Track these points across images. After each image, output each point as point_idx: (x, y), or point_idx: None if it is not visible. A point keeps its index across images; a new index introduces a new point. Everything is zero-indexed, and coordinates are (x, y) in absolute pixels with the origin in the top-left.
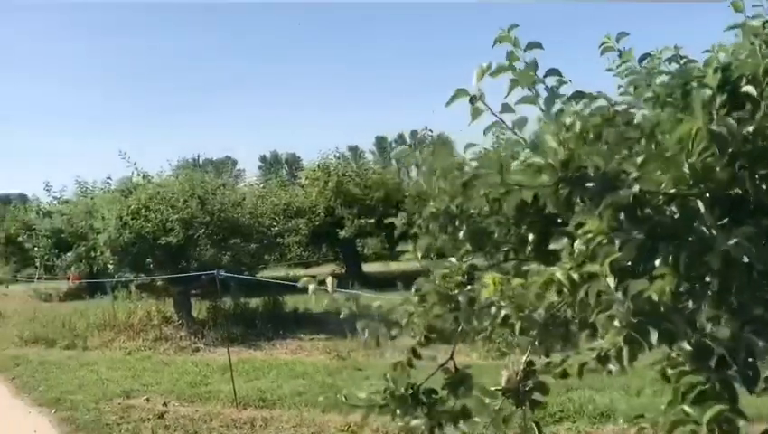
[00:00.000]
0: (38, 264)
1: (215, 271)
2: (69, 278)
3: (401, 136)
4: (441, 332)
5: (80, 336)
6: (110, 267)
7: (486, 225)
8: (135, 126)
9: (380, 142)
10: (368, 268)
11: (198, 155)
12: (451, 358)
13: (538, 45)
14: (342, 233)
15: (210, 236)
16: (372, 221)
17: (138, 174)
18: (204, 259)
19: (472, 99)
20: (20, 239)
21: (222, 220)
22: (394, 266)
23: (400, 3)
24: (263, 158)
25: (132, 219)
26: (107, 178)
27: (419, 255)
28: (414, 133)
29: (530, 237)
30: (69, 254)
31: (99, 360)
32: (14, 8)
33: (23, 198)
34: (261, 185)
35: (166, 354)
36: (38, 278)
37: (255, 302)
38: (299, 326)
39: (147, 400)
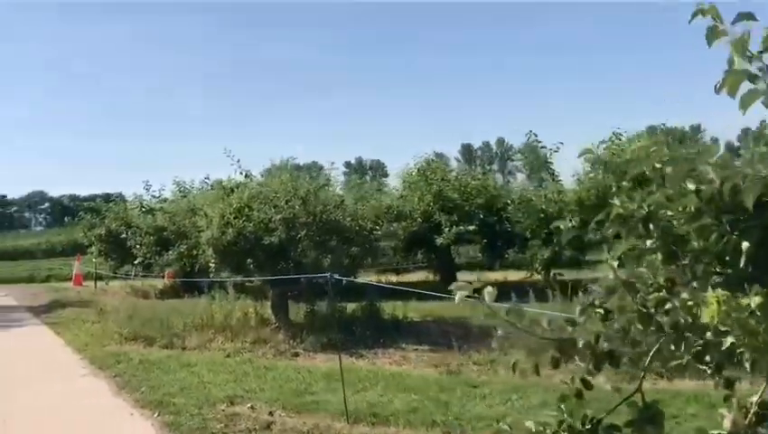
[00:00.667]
0: (137, 261)
1: (328, 274)
2: (164, 276)
3: (487, 145)
4: (617, 357)
5: (179, 336)
6: (211, 265)
7: (684, 231)
8: (223, 131)
9: (466, 149)
10: (462, 277)
11: (288, 159)
12: (638, 390)
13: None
14: (440, 240)
15: (312, 237)
16: (472, 227)
17: (241, 173)
18: (305, 261)
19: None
20: (123, 236)
21: (324, 221)
22: (492, 276)
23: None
24: (347, 164)
25: (234, 218)
26: (204, 178)
27: (615, 264)
28: (500, 140)
29: (744, 246)
30: (170, 252)
31: (199, 361)
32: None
33: (121, 198)
34: (354, 189)
35: (266, 358)
36: (135, 275)
37: (350, 307)
38: (400, 335)
39: (252, 407)
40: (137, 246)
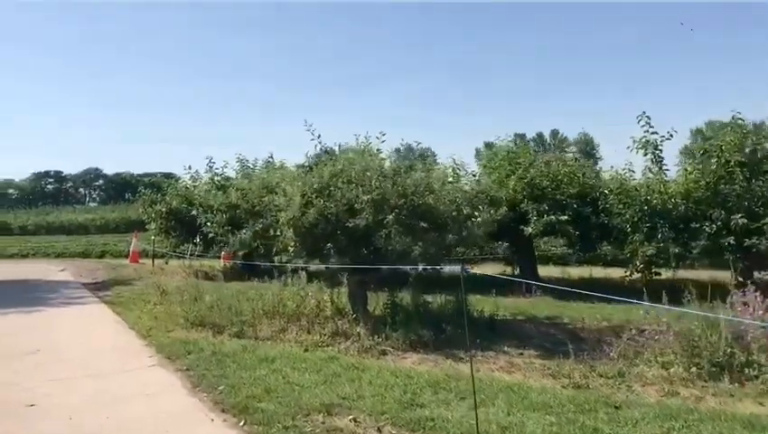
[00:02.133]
0: (197, 240)
1: (461, 266)
2: (221, 257)
3: (540, 135)
4: None
5: (248, 323)
6: (290, 248)
7: None
8: (279, 119)
9: (520, 139)
10: (543, 271)
11: (339, 145)
12: None
13: None
14: (529, 229)
15: (403, 222)
16: (565, 217)
17: (322, 149)
18: (391, 248)
19: None
20: (193, 213)
21: (416, 204)
22: (574, 272)
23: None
24: (397, 150)
25: (316, 197)
26: (268, 157)
27: None
28: (554, 132)
29: None
30: (243, 231)
31: (277, 355)
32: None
33: (168, 177)
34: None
35: (349, 355)
36: (190, 255)
37: (437, 301)
38: (495, 335)
39: (355, 421)
40: (207, 223)
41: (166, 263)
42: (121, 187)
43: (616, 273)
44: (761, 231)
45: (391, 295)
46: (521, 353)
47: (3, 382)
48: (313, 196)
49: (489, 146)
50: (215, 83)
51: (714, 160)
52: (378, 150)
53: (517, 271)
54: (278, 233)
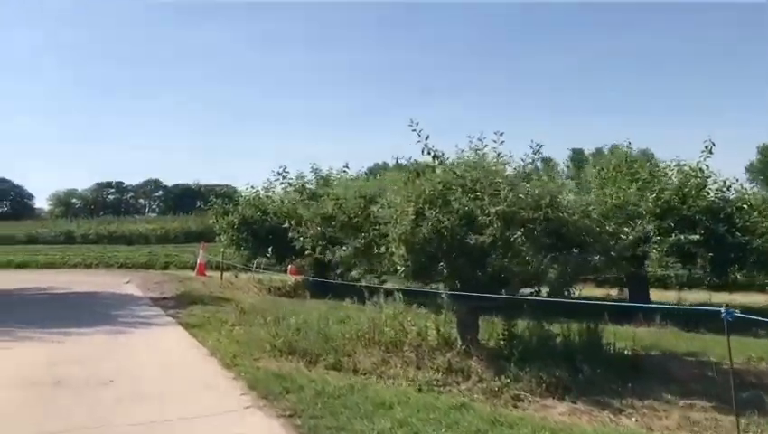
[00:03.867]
0: (269, 253)
1: (723, 309)
2: (287, 271)
3: (599, 151)
4: None
5: (343, 352)
6: (400, 268)
7: None
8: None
9: (577, 155)
10: (656, 295)
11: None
12: None
13: None
14: (652, 253)
15: (536, 239)
16: (696, 237)
17: (429, 153)
18: (519, 270)
19: None
20: (288, 225)
21: (550, 218)
22: (691, 297)
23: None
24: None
25: (429, 208)
26: (344, 167)
27: None
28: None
29: None
30: (343, 247)
31: (393, 398)
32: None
33: (230, 189)
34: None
35: (478, 400)
36: (256, 267)
37: (561, 331)
38: (642, 376)
39: None
40: (301, 238)
41: (236, 277)
42: (179, 198)
43: (746, 299)
44: None
45: (508, 323)
46: (692, 405)
47: (77, 426)
48: (426, 207)
49: (577, 152)
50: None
51: None
52: (499, 154)
53: (625, 294)
54: (383, 250)
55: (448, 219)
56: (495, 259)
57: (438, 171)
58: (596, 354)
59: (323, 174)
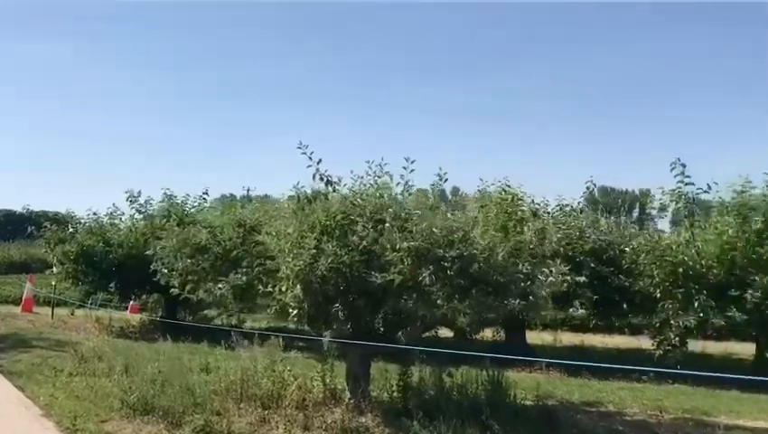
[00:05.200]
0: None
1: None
2: (127, 308)
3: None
4: None
5: (212, 410)
6: (291, 311)
7: None
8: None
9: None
10: (532, 337)
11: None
12: None
13: None
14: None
15: (449, 279)
16: (582, 279)
17: (321, 178)
18: (428, 313)
19: None
20: (147, 252)
21: (465, 256)
22: (567, 339)
23: None
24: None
25: (327, 241)
26: (203, 193)
27: None
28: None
29: None
30: (219, 285)
31: None
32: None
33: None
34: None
35: None
36: (94, 305)
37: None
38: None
39: None
40: (164, 270)
41: (72, 314)
42: (1, 224)
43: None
44: None
45: (403, 372)
46: None
47: None
48: (324, 239)
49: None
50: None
51: (759, 218)
52: (408, 183)
53: (501, 336)
54: (271, 289)
55: (347, 254)
56: (399, 301)
57: (334, 198)
58: (503, 407)
59: (179, 201)
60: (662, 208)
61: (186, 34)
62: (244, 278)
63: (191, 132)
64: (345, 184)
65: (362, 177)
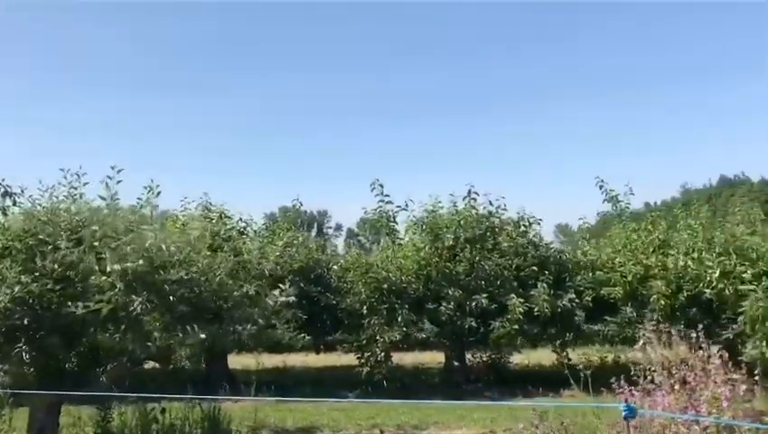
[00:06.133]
0: None
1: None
2: None
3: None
4: None
5: None
6: None
7: None
8: None
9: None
10: (235, 360)
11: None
12: None
13: None
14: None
15: (171, 306)
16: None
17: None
18: (140, 346)
19: None
20: None
21: (188, 280)
22: (269, 361)
23: None
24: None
25: (9, 267)
26: None
27: None
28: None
29: None
30: None
31: None
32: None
33: None
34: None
35: None
36: None
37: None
38: None
39: None
40: None
41: None
42: None
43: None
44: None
45: (103, 418)
46: None
47: None
48: (6, 265)
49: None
50: None
51: (450, 235)
52: (114, 194)
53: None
54: None
55: (36, 281)
56: (102, 335)
57: (16, 214)
58: None
59: None
60: (338, 227)
61: None
62: None
63: None
64: (31, 196)
65: (53, 187)
